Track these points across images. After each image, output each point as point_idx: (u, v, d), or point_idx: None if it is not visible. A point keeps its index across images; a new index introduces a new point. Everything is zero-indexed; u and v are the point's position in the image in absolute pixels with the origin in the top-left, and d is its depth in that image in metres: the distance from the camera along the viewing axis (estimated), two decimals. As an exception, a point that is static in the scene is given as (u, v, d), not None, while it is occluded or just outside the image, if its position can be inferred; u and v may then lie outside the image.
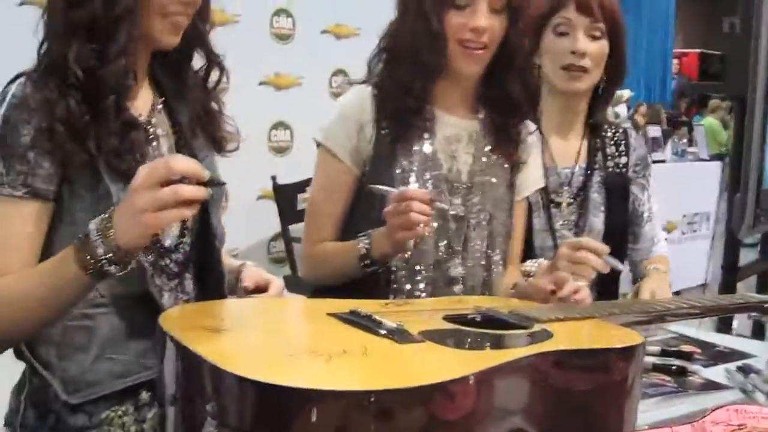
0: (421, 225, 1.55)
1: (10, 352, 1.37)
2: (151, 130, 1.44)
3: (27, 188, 1.29)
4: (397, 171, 1.71)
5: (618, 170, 2.09)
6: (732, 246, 3.25)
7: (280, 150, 4.50)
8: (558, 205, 2.03)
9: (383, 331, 1.16)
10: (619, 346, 1.22)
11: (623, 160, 2.11)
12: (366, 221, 1.70)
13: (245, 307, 1.41)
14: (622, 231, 2.09)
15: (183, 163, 1.16)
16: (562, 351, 1.17)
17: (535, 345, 1.19)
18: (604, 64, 1.99)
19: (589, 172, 2.06)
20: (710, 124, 9.71)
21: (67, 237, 1.29)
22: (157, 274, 1.40)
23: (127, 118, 1.35)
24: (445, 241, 1.74)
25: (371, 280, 1.69)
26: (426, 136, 1.73)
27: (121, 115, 1.33)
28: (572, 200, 2.04)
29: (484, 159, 1.77)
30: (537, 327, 1.29)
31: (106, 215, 1.19)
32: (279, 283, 1.52)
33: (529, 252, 1.94)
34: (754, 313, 1.73)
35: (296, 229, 4.03)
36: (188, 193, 1.14)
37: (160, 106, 1.47)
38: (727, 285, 3.39)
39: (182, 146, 1.47)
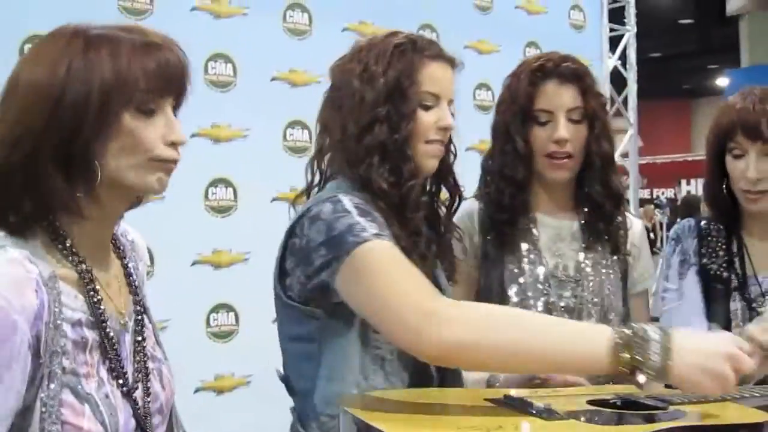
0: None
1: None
2: None
3: None
4: (507, 272, 1.91)
5: None
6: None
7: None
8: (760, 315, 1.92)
9: (533, 411, 1.36)
10: (748, 421, 1.37)
11: None
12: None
13: (414, 396, 1.62)
14: None
15: None
16: (693, 426, 1.34)
17: (667, 422, 1.35)
18: None
19: None
20: None
21: None
22: None
23: None
24: None
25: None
26: (529, 238, 1.94)
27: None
28: None
29: (589, 254, 1.95)
30: (671, 408, 1.44)
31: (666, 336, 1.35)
32: None
33: None
34: None
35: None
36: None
37: None
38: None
39: None
